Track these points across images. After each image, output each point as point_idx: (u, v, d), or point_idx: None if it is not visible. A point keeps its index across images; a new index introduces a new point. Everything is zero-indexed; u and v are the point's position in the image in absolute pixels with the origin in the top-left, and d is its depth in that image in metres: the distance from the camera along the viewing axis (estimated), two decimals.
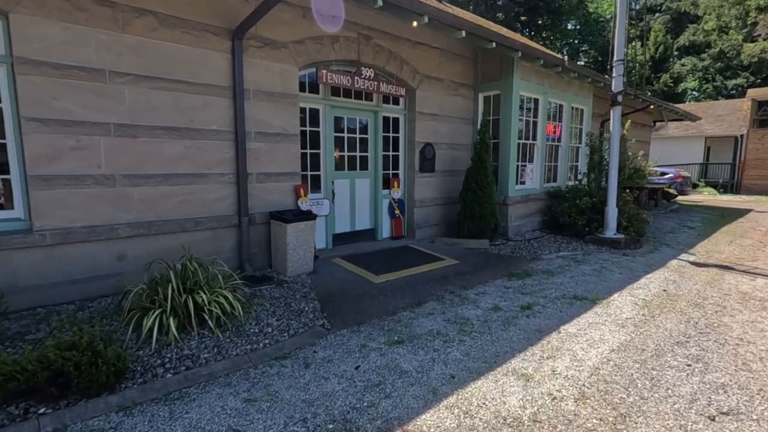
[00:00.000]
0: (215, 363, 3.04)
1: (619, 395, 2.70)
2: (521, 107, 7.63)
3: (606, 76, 8.35)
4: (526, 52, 6.83)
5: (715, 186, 19.85)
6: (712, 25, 28.04)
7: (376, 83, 6.22)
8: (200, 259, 3.92)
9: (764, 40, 24.64)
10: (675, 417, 2.48)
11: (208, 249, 4.70)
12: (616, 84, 7.13)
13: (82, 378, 2.50)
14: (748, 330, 3.76)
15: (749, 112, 19.69)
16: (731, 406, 2.59)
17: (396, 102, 6.96)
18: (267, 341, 3.40)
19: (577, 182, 8.61)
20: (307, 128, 5.86)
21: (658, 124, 17.09)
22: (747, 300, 4.55)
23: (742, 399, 2.67)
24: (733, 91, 28.37)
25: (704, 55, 29.58)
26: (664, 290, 4.86)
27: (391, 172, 7.07)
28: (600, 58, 29.14)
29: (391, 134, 6.99)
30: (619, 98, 7.13)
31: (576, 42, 31.70)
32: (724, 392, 2.75)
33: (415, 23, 5.32)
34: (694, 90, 31.41)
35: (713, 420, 2.45)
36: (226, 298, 3.56)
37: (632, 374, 2.96)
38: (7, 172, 3.74)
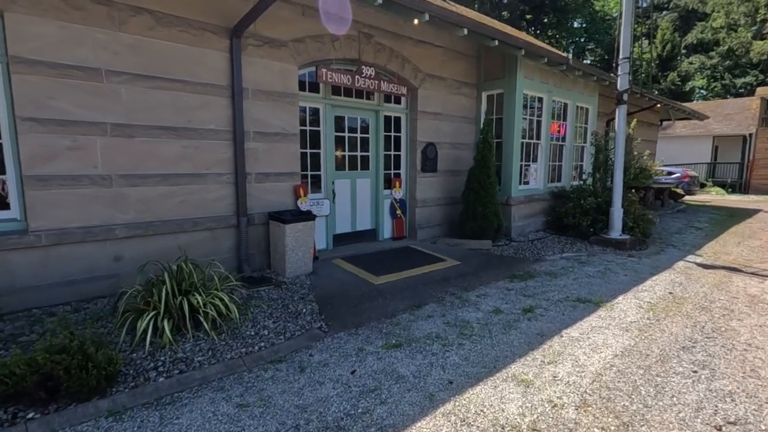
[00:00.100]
0: (209, 366, 2.99)
1: (622, 403, 2.62)
2: (525, 106, 7.52)
3: (612, 75, 8.22)
4: (530, 50, 6.72)
5: (723, 186, 19.54)
6: (721, 22, 27.71)
7: (377, 82, 6.16)
8: (196, 261, 3.88)
9: None
10: (680, 426, 2.39)
11: (206, 250, 4.67)
12: (622, 82, 7.02)
13: (71, 382, 2.46)
14: (757, 335, 3.65)
15: (758, 111, 19.40)
16: (739, 416, 2.50)
17: (398, 101, 6.88)
18: (262, 344, 3.35)
19: (581, 182, 8.47)
20: (307, 128, 5.80)
21: (665, 123, 16.85)
22: (755, 303, 4.44)
23: (750, 408, 2.58)
24: (742, 90, 28.03)
25: (712, 53, 29.26)
26: (670, 293, 4.75)
27: (392, 171, 7.00)
28: (606, 57, 28.87)
29: (392, 133, 6.92)
30: (625, 97, 7.01)
31: (582, 40, 31.44)
32: (732, 400, 2.66)
33: (416, 21, 5.23)
34: (702, 88, 31.07)
35: (720, 430, 2.36)
36: (221, 300, 3.52)
37: (636, 381, 2.88)
38: (3, 172, 3.72)
